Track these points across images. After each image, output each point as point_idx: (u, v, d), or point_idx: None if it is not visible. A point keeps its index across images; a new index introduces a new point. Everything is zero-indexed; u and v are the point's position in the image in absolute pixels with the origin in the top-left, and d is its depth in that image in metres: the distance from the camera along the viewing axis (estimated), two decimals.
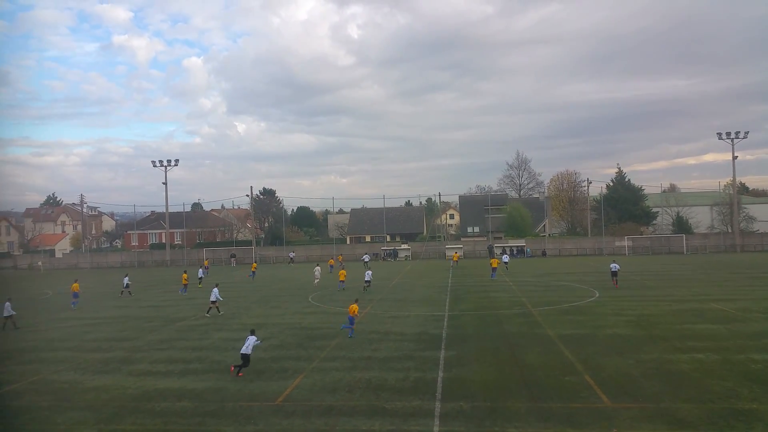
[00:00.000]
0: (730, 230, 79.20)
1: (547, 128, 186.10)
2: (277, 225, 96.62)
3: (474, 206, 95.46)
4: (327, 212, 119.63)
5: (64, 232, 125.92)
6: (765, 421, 12.99)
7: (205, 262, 68.12)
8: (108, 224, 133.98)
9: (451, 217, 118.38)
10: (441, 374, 17.58)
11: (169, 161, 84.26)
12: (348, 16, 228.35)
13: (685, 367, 17.52)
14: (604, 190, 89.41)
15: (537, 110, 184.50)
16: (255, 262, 46.24)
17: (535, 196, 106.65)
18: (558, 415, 13.79)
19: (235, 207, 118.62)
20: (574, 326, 24.64)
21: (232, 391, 16.65)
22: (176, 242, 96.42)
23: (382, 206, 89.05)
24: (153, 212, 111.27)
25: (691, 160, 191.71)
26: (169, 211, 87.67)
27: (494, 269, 47.03)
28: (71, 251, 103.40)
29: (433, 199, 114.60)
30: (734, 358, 18.43)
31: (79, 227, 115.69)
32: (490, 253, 74.22)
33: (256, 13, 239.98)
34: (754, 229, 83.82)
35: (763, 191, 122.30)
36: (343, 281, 41.45)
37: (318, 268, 47.83)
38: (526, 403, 14.71)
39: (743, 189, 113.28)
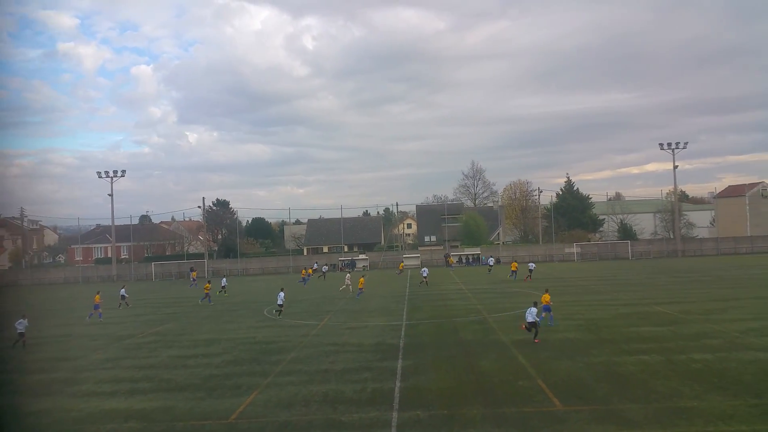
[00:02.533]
0: (672, 236, 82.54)
1: (500, 139, 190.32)
2: (231, 237, 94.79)
3: (431, 216, 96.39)
4: (283, 223, 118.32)
5: (2, 247, 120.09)
6: (704, 417, 13.57)
7: (193, 274, 67.26)
8: (50, 238, 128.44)
9: (409, 226, 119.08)
10: (398, 384, 17.60)
11: (115, 172, 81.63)
12: (303, 27, 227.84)
13: (631, 369, 18.12)
14: (554, 199, 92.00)
15: (489, 122, 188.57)
16: (208, 282, 44.59)
17: (489, 205, 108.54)
18: (512, 419, 14.02)
19: (186, 219, 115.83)
20: (526, 332, 25.09)
21: (182, 410, 16.19)
22: (123, 256, 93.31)
23: (340, 216, 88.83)
24: (98, 225, 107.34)
25: (635, 170, 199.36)
26: (116, 223, 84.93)
27: (514, 272, 50.62)
28: (10, 267, 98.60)
29: (390, 209, 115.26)
30: (676, 358, 19.19)
31: (19, 242, 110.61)
32: (446, 261, 75.07)
33: (209, 22, 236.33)
34: (694, 235, 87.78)
35: (701, 199, 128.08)
36: (361, 289, 42.07)
37: (349, 275, 48.94)
38: (481, 409, 14.89)
39: (684, 197, 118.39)
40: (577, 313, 29.73)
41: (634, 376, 17.35)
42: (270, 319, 33.34)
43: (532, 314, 22.73)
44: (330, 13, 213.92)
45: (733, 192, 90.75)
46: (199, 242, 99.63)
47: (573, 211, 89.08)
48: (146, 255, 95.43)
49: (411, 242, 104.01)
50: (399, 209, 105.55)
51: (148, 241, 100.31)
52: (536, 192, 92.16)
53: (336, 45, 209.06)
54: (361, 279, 43.74)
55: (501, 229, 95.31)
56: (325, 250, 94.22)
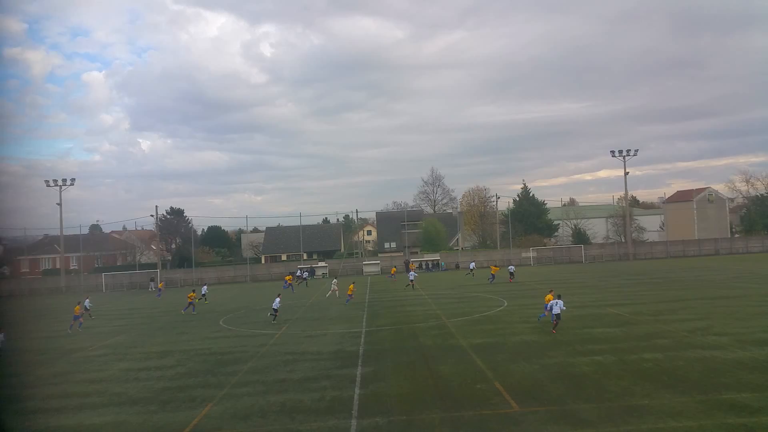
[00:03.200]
0: (623, 240, 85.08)
1: (459, 147, 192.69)
2: (186, 246, 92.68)
3: (391, 222, 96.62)
4: (240, 231, 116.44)
5: None
6: (655, 414, 13.97)
7: (160, 284, 66.02)
8: None
9: (369, 233, 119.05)
10: (358, 391, 17.50)
11: (64, 180, 78.88)
12: (260, 34, 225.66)
13: (585, 369, 18.52)
14: (512, 205, 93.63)
15: (448, 130, 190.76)
16: (192, 291, 43.62)
17: (449, 211, 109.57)
18: (470, 422, 14.12)
19: (139, 228, 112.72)
20: (485, 335, 25.43)
21: (133, 424, 15.67)
22: (72, 267, 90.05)
23: (299, 224, 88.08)
24: (46, 236, 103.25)
25: (588, 176, 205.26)
26: (65, 233, 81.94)
27: (492, 275, 51.72)
28: None
29: (350, 216, 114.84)
30: (628, 358, 19.73)
31: None
32: (407, 267, 75.30)
33: (163, 29, 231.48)
34: (645, 239, 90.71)
35: (651, 204, 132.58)
36: (350, 295, 41.80)
37: (335, 280, 49.60)
38: (440, 413, 14.94)
39: (634, 202, 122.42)
40: (534, 315, 30.23)
41: (588, 376, 17.74)
42: (226, 329, 32.71)
43: (559, 305, 25.26)
44: (288, 21, 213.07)
45: (682, 197, 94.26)
46: (152, 252, 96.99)
47: (529, 217, 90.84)
48: (96, 266, 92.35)
49: (371, 249, 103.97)
50: (359, 216, 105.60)
51: (99, 252, 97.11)
52: (494, 198, 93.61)
53: (294, 52, 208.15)
54: (351, 285, 43.39)
55: (460, 234, 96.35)
56: (284, 258, 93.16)
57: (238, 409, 16.41)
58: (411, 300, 41.52)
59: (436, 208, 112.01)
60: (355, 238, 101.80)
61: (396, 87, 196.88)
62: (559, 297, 26.01)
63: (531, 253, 78.23)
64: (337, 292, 45.94)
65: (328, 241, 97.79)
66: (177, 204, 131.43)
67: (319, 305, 41.82)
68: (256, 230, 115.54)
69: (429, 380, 18.38)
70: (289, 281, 57.57)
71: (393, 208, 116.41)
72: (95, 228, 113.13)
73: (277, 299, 35.03)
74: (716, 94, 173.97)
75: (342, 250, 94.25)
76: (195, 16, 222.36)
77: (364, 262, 79.50)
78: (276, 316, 34.05)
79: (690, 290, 38.39)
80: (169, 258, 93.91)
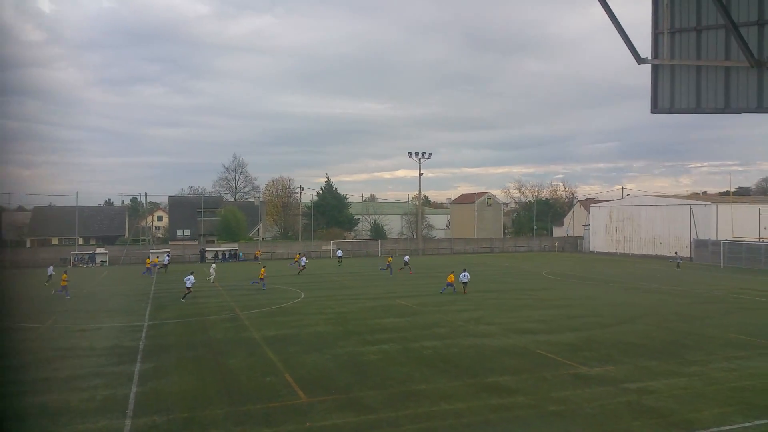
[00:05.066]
0: (415, 236, 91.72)
1: (264, 135, 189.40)
2: None
3: (186, 208, 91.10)
4: (1, 209, 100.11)
5: None
6: (431, 398, 15.11)
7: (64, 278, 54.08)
8: None
9: (159, 218, 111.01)
10: (134, 389, 16.08)
11: None
12: None
13: (372, 358, 19.39)
14: (315, 198, 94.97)
15: (254, 116, 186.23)
16: (65, 273, 38.24)
17: (250, 200, 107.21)
18: (256, 416, 13.80)
19: None
20: (279, 327, 25.24)
21: None
22: None
23: (75, 204, 78.51)
24: None
25: (387, 175, 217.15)
26: None
27: (388, 264, 51.72)
28: None
29: (138, 199, 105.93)
30: (411, 346, 21.14)
31: None
32: (202, 257, 71.83)
33: None
34: (433, 236, 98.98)
35: (441, 204, 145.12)
36: (263, 279, 40.37)
37: (214, 265, 48.57)
38: (225, 408, 14.36)
39: (426, 201, 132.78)
40: (328, 307, 30.89)
41: (374, 364, 18.57)
42: None
43: (466, 276, 35.65)
44: None
45: (465, 200, 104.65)
46: None
47: (332, 210, 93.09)
48: None
49: (161, 236, 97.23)
50: (148, 200, 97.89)
51: None
52: (298, 189, 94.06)
53: (79, 12, 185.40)
54: (262, 269, 41.76)
55: (261, 225, 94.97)
56: (55, 242, 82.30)
57: None
58: (204, 292, 39.62)
59: (237, 196, 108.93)
60: (143, 224, 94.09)
61: (197, 64, 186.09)
62: (464, 270, 36.24)
63: (331, 246, 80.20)
64: (214, 278, 44.48)
65: (109, 225, 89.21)
66: None
67: (96, 296, 37.80)
68: (21, 209, 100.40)
69: (216, 375, 17.62)
70: (149, 264, 53.80)
71: (189, 194, 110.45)
72: None
73: (191, 276, 35.19)
74: (498, 109, 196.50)
75: (126, 236, 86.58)
76: None
77: (151, 250, 73.64)
78: (186, 294, 34.44)
79: (468, 284, 42.51)
80: None
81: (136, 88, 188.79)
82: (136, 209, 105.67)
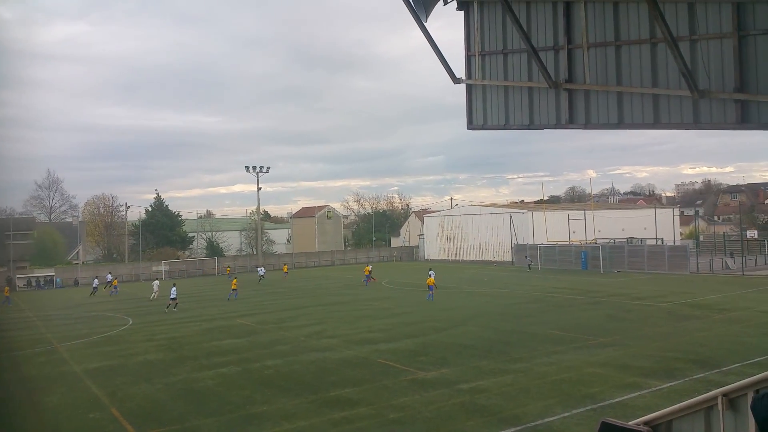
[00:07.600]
0: (255, 252, 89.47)
1: (81, 149, 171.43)
2: None
3: None
4: None
5: None
6: (272, 419, 14.74)
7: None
8: None
9: None
10: None
11: None
12: None
13: (210, 383, 18.42)
14: (143, 216, 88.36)
15: (68, 128, 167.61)
16: None
17: (68, 220, 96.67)
18: None
19: None
20: (104, 358, 23.00)
21: None
22: None
23: None
24: None
25: (223, 190, 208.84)
26: None
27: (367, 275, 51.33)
28: None
29: None
30: (252, 367, 20.47)
31: None
32: (9, 284, 62.96)
33: None
34: (274, 251, 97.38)
35: (281, 218, 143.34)
36: (235, 289, 42.30)
37: (157, 281, 47.51)
38: None
39: (266, 216, 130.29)
40: (160, 332, 28.79)
41: (211, 390, 17.65)
42: None
43: (432, 275, 38.11)
44: None
45: (306, 213, 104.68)
46: None
47: (163, 229, 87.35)
48: None
49: None
50: None
51: None
52: (123, 208, 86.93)
53: None
54: (234, 280, 43.36)
55: (81, 247, 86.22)
56: None
57: None
58: (12, 323, 34.75)
59: (52, 216, 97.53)
60: None
61: (1, 73, 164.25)
62: (430, 269, 40.37)
63: (162, 267, 75.09)
64: (157, 294, 44.04)
65: None
66: None
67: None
68: None
69: (31, 416, 15.56)
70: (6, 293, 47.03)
71: None
72: None
73: (173, 288, 37.70)
74: (330, 125, 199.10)
75: None
76: None
77: None
78: (170, 305, 36.38)
79: (309, 298, 42.47)
80: None
81: None
82: None
